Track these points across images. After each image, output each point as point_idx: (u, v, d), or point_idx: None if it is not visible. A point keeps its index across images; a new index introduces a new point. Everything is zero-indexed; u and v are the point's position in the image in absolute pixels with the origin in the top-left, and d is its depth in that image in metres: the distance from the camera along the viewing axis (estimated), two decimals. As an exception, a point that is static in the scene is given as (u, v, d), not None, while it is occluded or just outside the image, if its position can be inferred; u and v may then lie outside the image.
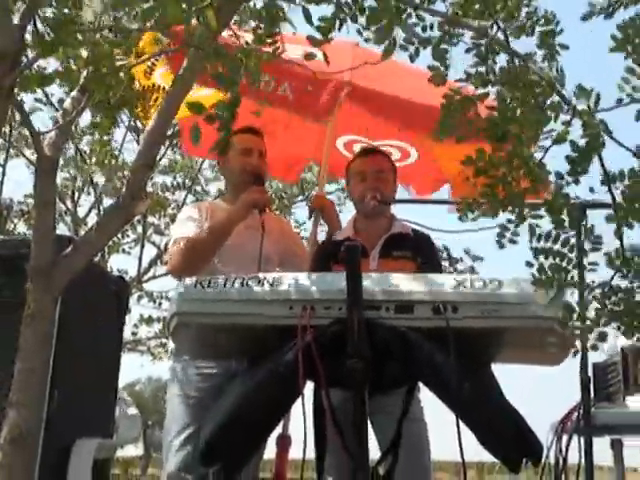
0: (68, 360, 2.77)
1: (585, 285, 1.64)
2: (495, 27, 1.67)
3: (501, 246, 1.71)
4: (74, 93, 1.94)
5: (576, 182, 1.60)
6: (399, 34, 1.62)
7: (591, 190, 1.60)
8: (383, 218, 3.14)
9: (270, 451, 3.27)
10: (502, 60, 1.74)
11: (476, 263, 9.52)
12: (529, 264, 1.66)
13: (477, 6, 1.62)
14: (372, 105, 3.52)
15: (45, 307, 1.99)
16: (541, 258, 1.64)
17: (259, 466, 3.12)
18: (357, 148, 4.00)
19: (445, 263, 9.14)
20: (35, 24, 1.59)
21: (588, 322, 1.60)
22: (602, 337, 1.62)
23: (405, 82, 3.63)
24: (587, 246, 1.64)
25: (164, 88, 2.41)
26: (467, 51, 1.70)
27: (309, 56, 1.99)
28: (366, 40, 1.68)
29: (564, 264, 1.64)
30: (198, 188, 9.51)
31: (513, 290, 1.91)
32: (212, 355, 2.59)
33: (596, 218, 1.68)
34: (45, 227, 2.05)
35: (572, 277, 1.64)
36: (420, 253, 3.01)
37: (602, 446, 2.87)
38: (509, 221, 1.70)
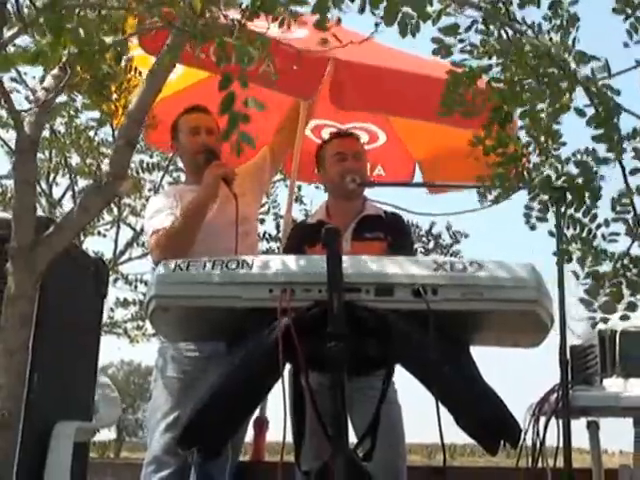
0: (47, 342, 2.74)
1: (608, 256, 1.64)
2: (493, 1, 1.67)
3: (531, 227, 1.72)
4: (55, 71, 1.91)
5: (606, 162, 1.59)
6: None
7: (606, 160, 1.61)
8: (357, 200, 3.14)
9: (247, 434, 3.28)
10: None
11: (463, 240, 9.54)
12: (552, 234, 1.66)
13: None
14: (357, 77, 3.47)
15: (26, 288, 1.97)
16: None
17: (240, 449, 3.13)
18: (325, 132, 3.96)
19: (419, 243, 9.18)
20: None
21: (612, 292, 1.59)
22: (632, 307, 1.62)
23: (391, 59, 3.61)
24: (610, 216, 1.64)
25: (136, 69, 2.39)
26: (467, 29, 1.70)
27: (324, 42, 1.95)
28: (376, 25, 1.67)
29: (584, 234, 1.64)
30: (172, 168, 9.40)
31: (493, 273, 1.91)
32: (191, 338, 2.58)
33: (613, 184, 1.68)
34: (25, 207, 2.03)
35: (596, 247, 1.64)
36: (392, 234, 3.02)
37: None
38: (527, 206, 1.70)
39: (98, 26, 1.49)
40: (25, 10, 1.61)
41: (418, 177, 4.35)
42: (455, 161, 3.69)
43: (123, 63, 2.28)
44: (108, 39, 1.52)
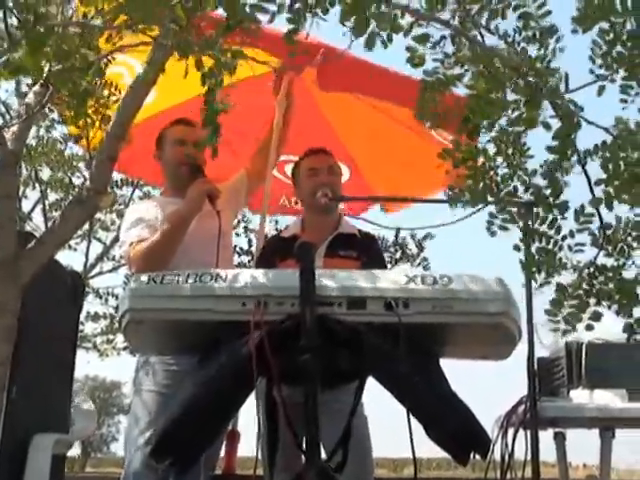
0: (25, 354, 2.73)
1: (573, 266, 1.67)
2: (465, 11, 1.70)
3: (492, 233, 1.75)
4: (36, 87, 1.92)
5: (560, 167, 1.63)
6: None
7: (566, 172, 1.65)
8: (332, 215, 3.16)
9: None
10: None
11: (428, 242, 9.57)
12: (517, 248, 1.70)
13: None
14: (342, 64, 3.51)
15: (9, 300, 1.97)
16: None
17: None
18: (288, 169, 3.96)
19: (386, 253, 9.22)
20: (5, 15, 1.58)
21: (577, 302, 1.63)
22: (596, 317, 1.66)
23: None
24: (575, 227, 1.68)
25: (116, 86, 2.40)
26: (433, 46, 1.73)
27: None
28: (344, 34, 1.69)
29: (550, 247, 1.68)
30: (142, 182, 9.37)
31: (463, 286, 1.94)
32: (166, 351, 2.58)
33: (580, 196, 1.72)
34: (7, 221, 2.03)
35: (560, 259, 1.68)
36: (365, 253, 3.04)
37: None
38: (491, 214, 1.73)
39: (78, 43, 1.51)
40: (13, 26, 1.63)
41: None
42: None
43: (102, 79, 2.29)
44: (88, 56, 1.54)
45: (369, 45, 1.68)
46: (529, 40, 1.74)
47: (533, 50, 1.74)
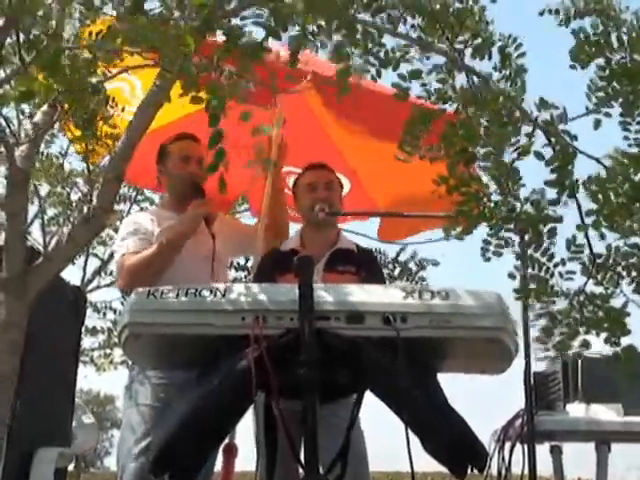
0: (29, 369, 2.73)
1: (563, 293, 1.70)
2: (453, 49, 1.74)
3: (486, 259, 1.78)
4: (45, 107, 1.95)
5: (558, 202, 1.66)
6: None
7: (557, 202, 1.67)
8: (331, 230, 3.17)
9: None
10: (462, 79, 1.80)
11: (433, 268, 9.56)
12: (512, 276, 1.72)
13: (438, 28, 1.68)
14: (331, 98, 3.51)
15: (16, 316, 2.00)
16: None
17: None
18: (290, 180, 3.98)
19: (385, 269, 9.21)
20: (18, 38, 1.60)
21: (568, 330, 1.65)
22: (586, 344, 1.68)
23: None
24: (566, 255, 1.71)
25: (115, 100, 2.41)
26: (429, 72, 1.77)
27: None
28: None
29: (542, 274, 1.70)
30: (141, 197, 9.40)
31: (460, 301, 1.95)
32: (165, 365, 2.58)
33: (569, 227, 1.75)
34: (16, 238, 2.06)
35: (552, 286, 1.71)
36: (364, 268, 3.06)
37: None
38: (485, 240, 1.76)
39: (88, 66, 1.53)
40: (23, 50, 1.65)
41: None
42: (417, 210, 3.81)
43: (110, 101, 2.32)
44: (96, 79, 1.57)
45: (340, 74, 1.72)
46: (506, 78, 1.78)
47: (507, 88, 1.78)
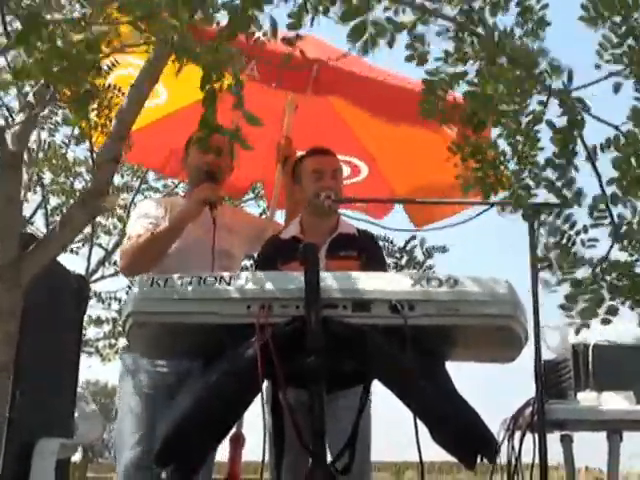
0: (29, 358, 2.72)
1: (585, 261, 1.66)
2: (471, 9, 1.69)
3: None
4: (38, 87, 1.91)
5: (569, 164, 1.62)
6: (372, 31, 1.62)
7: (576, 169, 1.63)
8: (332, 217, 3.14)
9: (221, 451, 3.25)
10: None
11: (441, 255, 9.50)
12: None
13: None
14: (342, 86, 3.46)
15: (11, 305, 1.96)
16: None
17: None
18: None
19: (392, 258, 9.17)
20: (3, 16, 1.56)
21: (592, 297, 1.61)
22: (613, 311, 1.63)
23: (373, 71, 3.64)
24: (589, 222, 1.67)
25: (120, 89, 2.39)
26: (438, 34, 1.72)
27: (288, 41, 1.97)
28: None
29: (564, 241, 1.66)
30: (144, 186, 9.36)
31: (469, 288, 1.93)
32: (169, 354, 2.56)
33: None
34: (10, 223, 2.02)
35: (574, 253, 1.66)
36: (365, 252, 3.03)
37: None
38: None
39: (79, 41, 1.50)
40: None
41: (399, 212, 4.39)
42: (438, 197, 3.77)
43: (107, 80, 2.28)
44: (89, 56, 1.53)
45: (364, 50, 1.67)
46: (527, 34, 1.74)
47: (531, 43, 1.73)
